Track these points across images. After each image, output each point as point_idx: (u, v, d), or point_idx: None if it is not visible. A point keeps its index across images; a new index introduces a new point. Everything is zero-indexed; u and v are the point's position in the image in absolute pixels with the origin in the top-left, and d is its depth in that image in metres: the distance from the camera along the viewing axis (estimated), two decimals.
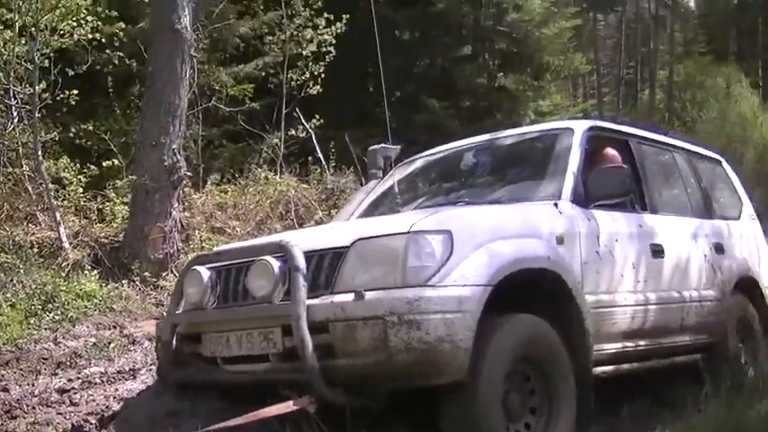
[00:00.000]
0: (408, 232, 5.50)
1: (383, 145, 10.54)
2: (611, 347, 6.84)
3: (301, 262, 5.51)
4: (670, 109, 51.80)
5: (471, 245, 5.65)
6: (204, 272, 6.15)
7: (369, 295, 5.27)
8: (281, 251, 5.69)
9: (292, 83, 18.15)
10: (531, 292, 6.07)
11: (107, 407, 7.47)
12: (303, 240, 5.87)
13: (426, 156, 8.85)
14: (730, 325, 8.32)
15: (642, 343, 7.25)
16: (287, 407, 5.51)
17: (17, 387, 8.08)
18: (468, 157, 8.15)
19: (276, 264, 5.64)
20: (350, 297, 5.32)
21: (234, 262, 6.12)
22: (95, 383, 8.25)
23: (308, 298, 5.42)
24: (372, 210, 8.24)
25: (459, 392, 5.45)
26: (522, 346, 5.80)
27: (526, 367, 5.91)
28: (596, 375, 6.52)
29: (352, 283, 5.43)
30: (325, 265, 5.60)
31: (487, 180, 7.78)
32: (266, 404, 5.55)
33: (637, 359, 7.22)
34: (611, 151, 7.69)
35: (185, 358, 6.31)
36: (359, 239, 5.60)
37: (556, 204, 6.65)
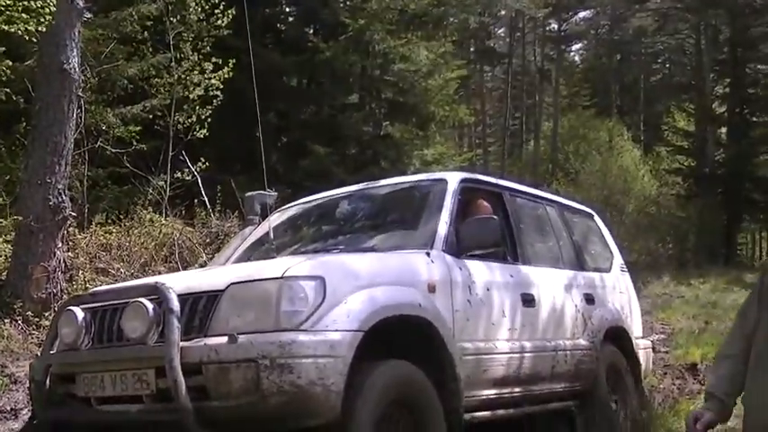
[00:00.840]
0: (282, 277, 5.56)
1: (260, 191, 10.61)
2: (485, 393, 6.98)
3: (175, 304, 5.53)
4: (554, 160, 52.77)
5: (344, 291, 5.74)
6: (79, 312, 6.11)
7: (242, 338, 5.31)
8: (156, 293, 5.70)
9: (179, 126, 18.20)
10: (406, 338, 6.17)
11: None
12: (178, 283, 5.87)
13: (303, 203, 8.92)
14: (601, 373, 8.48)
15: (516, 390, 7.39)
16: None
17: None
18: (343, 205, 8.32)
19: (150, 306, 5.64)
20: (223, 340, 5.35)
21: (109, 303, 6.09)
22: None
23: (182, 340, 5.44)
24: (248, 255, 8.22)
25: None
26: (393, 390, 5.89)
27: (398, 411, 5.96)
28: (470, 421, 6.65)
29: (226, 326, 5.46)
30: (200, 308, 5.63)
31: (362, 228, 7.89)
32: None
33: (510, 405, 7.35)
34: (483, 203, 7.79)
35: (59, 398, 6.25)
36: (233, 283, 5.64)
37: (428, 253, 6.76)
